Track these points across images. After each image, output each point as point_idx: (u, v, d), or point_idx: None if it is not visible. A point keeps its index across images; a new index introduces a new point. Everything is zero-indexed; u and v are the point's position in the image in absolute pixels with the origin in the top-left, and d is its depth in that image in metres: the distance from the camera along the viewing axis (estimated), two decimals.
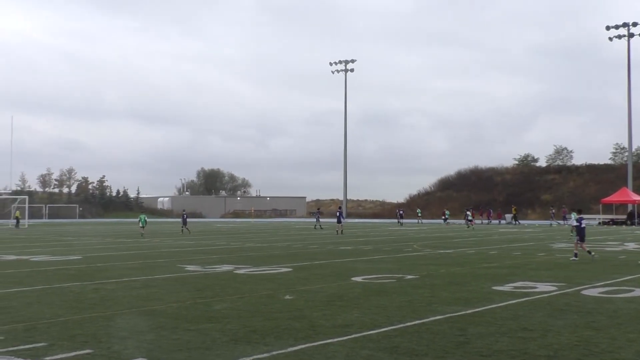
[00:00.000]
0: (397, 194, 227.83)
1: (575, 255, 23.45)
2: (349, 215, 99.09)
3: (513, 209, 72.79)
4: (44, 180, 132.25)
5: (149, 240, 38.68)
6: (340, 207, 57.30)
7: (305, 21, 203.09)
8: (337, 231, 47.81)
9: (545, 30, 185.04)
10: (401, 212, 74.31)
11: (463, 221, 62.09)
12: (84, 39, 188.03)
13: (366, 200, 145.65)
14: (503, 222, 74.22)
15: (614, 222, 65.11)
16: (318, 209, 58.58)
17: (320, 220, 60.80)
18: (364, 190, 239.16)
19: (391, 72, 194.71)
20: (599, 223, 66.50)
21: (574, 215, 25.53)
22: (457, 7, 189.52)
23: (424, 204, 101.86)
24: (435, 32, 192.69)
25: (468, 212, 60.49)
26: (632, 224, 56.08)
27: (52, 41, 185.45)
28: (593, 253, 23.57)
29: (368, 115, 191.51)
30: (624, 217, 67.44)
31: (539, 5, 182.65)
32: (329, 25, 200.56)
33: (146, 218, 45.73)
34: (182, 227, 50.29)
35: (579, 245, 23.66)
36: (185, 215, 52.72)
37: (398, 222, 72.14)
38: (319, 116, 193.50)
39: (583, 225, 23.83)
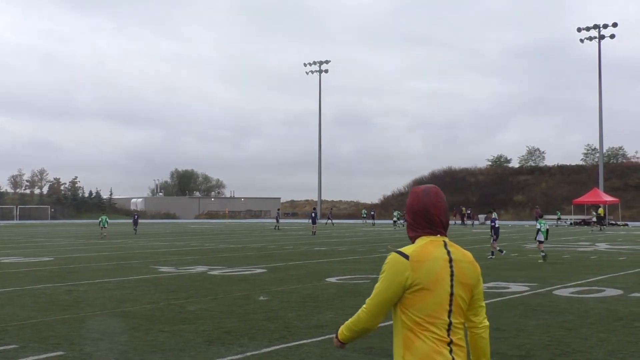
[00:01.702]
0: (372, 195, 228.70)
1: (493, 253, 25.22)
2: (323, 216, 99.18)
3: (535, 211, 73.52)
4: (15, 181, 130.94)
5: (123, 242, 38.40)
6: (314, 208, 57.61)
7: (280, 22, 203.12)
8: (312, 232, 48.44)
9: (520, 31, 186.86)
10: (372, 212, 75.91)
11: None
12: (57, 39, 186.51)
13: (341, 200, 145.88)
14: (476, 223, 74.73)
15: (586, 223, 65.82)
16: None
17: (280, 221, 61.84)
18: (338, 191, 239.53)
19: (367, 72, 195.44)
20: (571, 224, 67.21)
21: (495, 215, 26.62)
22: (433, 8, 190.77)
23: (398, 204, 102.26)
24: (410, 33, 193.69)
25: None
26: (603, 225, 56.71)
27: (24, 41, 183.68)
28: (497, 251, 25.53)
29: (343, 116, 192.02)
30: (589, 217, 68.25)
31: (513, 7, 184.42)
32: (304, 26, 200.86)
33: (107, 219, 45.54)
34: (134, 227, 51.36)
35: (495, 243, 25.62)
36: (136, 216, 53.39)
37: (372, 223, 73.00)
38: (294, 117, 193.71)
39: (497, 225, 25.86)
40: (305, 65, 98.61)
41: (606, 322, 11.05)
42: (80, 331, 10.39)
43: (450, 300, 3.40)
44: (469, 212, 74.36)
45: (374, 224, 70.63)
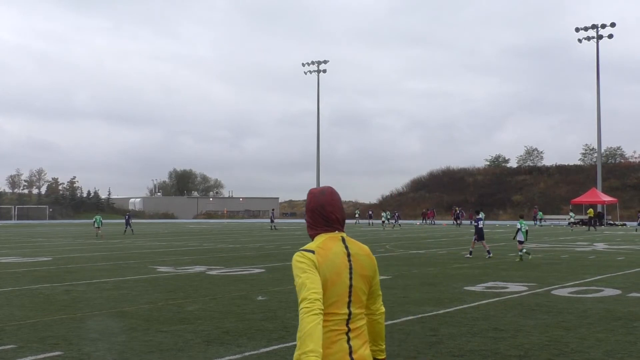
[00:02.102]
0: (370, 195, 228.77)
1: (487, 252, 25.19)
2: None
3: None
4: (13, 181, 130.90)
5: (121, 242, 38.38)
6: None
7: (278, 22, 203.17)
8: None
9: (518, 31, 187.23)
10: (370, 212, 76.27)
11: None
12: (55, 39, 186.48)
13: None
14: (474, 223, 74.73)
15: (584, 223, 65.84)
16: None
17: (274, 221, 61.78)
18: (337, 191, 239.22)
19: (365, 73, 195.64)
20: (569, 224, 67.25)
21: (481, 215, 26.77)
22: (431, 8, 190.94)
23: (397, 204, 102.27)
24: (408, 33, 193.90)
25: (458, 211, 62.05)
26: (597, 225, 56.80)
27: (22, 41, 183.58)
28: (471, 253, 25.60)
29: (341, 116, 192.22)
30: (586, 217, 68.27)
31: (511, 7, 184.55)
32: (302, 26, 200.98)
33: (101, 219, 46.00)
34: (126, 227, 51.32)
35: (475, 243, 25.87)
36: (128, 216, 53.91)
37: (369, 223, 73.30)
38: (293, 117, 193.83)
39: (480, 226, 25.90)
40: (303, 65, 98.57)
41: (604, 322, 11.05)
42: (78, 331, 10.38)
43: (350, 292, 3.59)
44: (458, 211, 74.40)
45: (370, 224, 70.79)
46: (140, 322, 11.23)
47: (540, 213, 69.94)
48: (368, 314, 3.81)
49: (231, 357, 8.65)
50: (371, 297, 3.82)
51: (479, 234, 25.63)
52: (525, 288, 15.62)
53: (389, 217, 66.44)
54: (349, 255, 3.64)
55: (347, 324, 3.57)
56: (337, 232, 3.72)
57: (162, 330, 10.41)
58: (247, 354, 8.82)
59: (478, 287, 15.80)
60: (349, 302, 3.59)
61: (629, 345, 9.25)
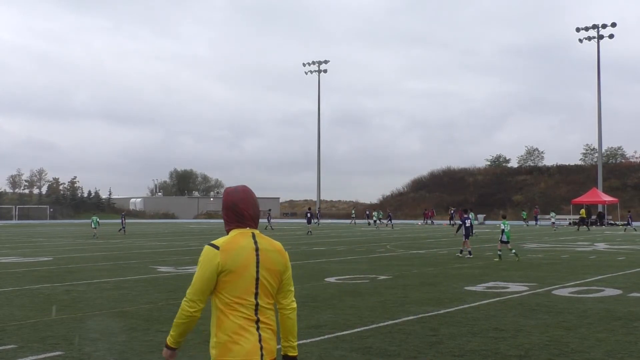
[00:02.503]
0: (371, 195, 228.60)
1: (469, 253, 25.43)
2: (322, 216, 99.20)
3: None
4: (14, 181, 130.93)
5: (122, 242, 38.38)
6: (310, 208, 57.85)
7: (278, 21, 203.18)
8: (308, 232, 48.55)
9: (518, 31, 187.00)
10: (367, 212, 76.59)
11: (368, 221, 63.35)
12: (55, 39, 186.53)
13: (340, 200, 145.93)
14: (475, 222, 74.73)
15: (584, 223, 65.85)
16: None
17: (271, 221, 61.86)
18: (337, 191, 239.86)
19: (365, 72, 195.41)
20: (569, 223, 67.22)
21: (471, 215, 26.94)
22: (430, 7, 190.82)
23: (397, 204, 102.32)
24: (408, 33, 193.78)
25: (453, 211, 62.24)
26: (598, 224, 56.88)
27: (21, 41, 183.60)
28: (465, 253, 25.52)
29: (342, 116, 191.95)
30: (594, 217, 68.25)
31: (511, 7, 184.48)
32: (302, 26, 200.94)
33: (98, 219, 46.45)
34: (122, 227, 51.40)
35: (466, 242, 25.78)
36: (123, 216, 53.95)
37: (368, 223, 73.35)
38: (293, 117, 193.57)
39: (468, 225, 25.99)
40: (304, 65, 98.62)
41: (605, 322, 11.05)
42: (79, 331, 10.37)
43: (257, 284, 3.85)
44: (452, 211, 74.38)
45: (369, 224, 70.79)
46: (141, 322, 11.23)
47: (524, 213, 69.96)
48: (279, 308, 4.02)
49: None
50: (282, 291, 4.02)
51: (467, 233, 25.81)
52: (525, 288, 15.62)
53: (380, 216, 66.69)
54: (257, 250, 3.91)
55: (255, 314, 3.83)
56: (248, 228, 4.00)
57: (162, 330, 10.41)
58: None
59: (478, 287, 15.80)
60: (256, 293, 3.84)
61: (629, 345, 9.25)
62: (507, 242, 24.46)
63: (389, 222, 65.16)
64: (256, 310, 3.84)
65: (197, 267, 3.94)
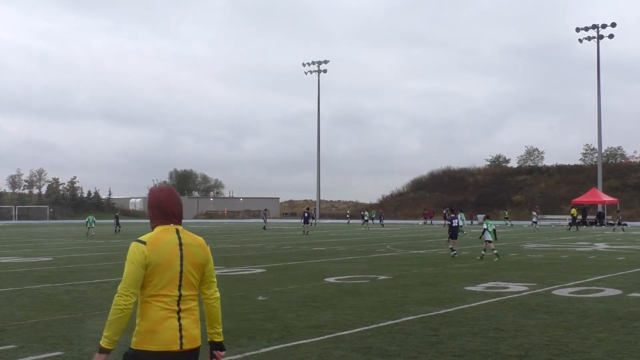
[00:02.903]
0: (371, 195, 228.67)
1: (452, 249, 25.59)
2: (322, 216, 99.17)
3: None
4: (14, 181, 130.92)
5: (121, 241, 38.37)
6: (307, 209, 57.95)
7: (278, 21, 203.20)
8: (304, 232, 48.48)
9: (518, 31, 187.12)
10: (363, 212, 76.45)
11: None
12: (55, 39, 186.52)
13: (339, 201, 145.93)
14: (475, 222, 74.74)
15: (584, 223, 65.84)
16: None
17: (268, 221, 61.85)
18: (337, 191, 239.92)
19: (365, 72, 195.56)
20: (569, 223, 67.18)
21: (460, 216, 27.24)
22: (430, 7, 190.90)
23: (397, 204, 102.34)
24: (408, 33, 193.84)
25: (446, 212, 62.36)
26: (598, 224, 56.88)
27: (21, 41, 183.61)
28: (455, 252, 25.60)
29: (341, 116, 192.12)
30: (594, 217, 68.25)
31: (511, 7, 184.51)
32: (302, 26, 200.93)
33: (94, 219, 46.69)
34: (116, 227, 51.55)
35: (450, 241, 25.91)
36: (117, 216, 54.06)
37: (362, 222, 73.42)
38: (293, 117, 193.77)
39: (454, 225, 26.11)
40: (304, 65, 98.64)
41: (605, 322, 11.05)
42: (79, 331, 10.37)
43: (180, 277, 4.12)
44: (445, 212, 74.38)
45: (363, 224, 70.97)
46: None
47: (506, 212, 69.94)
48: (204, 298, 4.32)
49: (231, 357, 8.65)
50: (205, 282, 4.31)
51: (453, 233, 25.93)
52: (525, 288, 15.62)
53: (373, 215, 66.74)
54: (181, 245, 4.17)
55: (177, 304, 4.10)
56: (172, 224, 4.25)
57: None
58: (247, 354, 8.83)
59: (478, 287, 15.80)
60: (180, 285, 4.11)
61: (629, 345, 9.25)
62: (491, 242, 24.62)
63: (380, 221, 65.26)
64: (179, 301, 4.11)
65: (125, 263, 4.12)
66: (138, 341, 4.09)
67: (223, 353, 4.47)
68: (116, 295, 4.13)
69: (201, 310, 4.29)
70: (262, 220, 71.12)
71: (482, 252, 24.74)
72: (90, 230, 44.72)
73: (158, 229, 4.23)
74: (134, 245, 4.12)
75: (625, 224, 65.74)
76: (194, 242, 4.25)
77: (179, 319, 4.09)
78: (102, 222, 66.72)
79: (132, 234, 49.70)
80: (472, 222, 73.92)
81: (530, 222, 60.76)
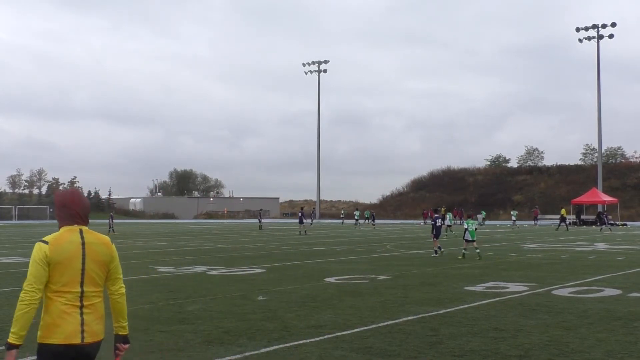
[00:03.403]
0: (371, 195, 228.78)
1: (435, 252, 25.88)
2: (322, 216, 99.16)
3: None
4: (14, 181, 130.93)
5: (122, 242, 38.37)
6: (302, 208, 58.04)
7: (278, 21, 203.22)
8: (299, 232, 48.37)
9: (518, 31, 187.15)
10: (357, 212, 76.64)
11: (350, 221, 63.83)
12: (54, 39, 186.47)
13: (339, 200, 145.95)
14: (457, 222, 74.76)
15: (584, 223, 65.83)
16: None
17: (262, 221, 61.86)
18: (337, 191, 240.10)
19: (364, 72, 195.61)
20: (569, 223, 67.21)
21: (449, 216, 27.55)
22: (430, 7, 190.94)
23: (397, 204, 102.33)
24: (408, 33, 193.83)
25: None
26: (597, 224, 56.87)
27: (20, 41, 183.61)
28: (442, 250, 26.33)
29: (341, 116, 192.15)
30: (593, 217, 68.24)
31: (511, 6, 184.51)
32: (302, 25, 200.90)
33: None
34: (109, 228, 51.31)
35: (436, 241, 26.22)
36: (111, 216, 54.23)
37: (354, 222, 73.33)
38: (292, 117, 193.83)
39: (438, 224, 26.52)
40: (304, 65, 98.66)
41: (605, 322, 11.05)
42: None
43: (82, 274, 4.37)
44: (423, 212, 74.66)
45: (362, 223, 70.97)
46: (141, 322, 11.22)
47: (483, 212, 70.05)
48: (109, 294, 4.60)
49: (231, 357, 8.65)
50: (110, 279, 4.59)
51: (437, 232, 26.18)
52: (525, 288, 15.62)
53: (367, 215, 66.89)
54: (83, 244, 4.42)
55: (80, 300, 4.37)
56: (76, 225, 4.48)
57: (162, 331, 10.42)
58: (247, 354, 8.82)
59: (478, 287, 15.80)
60: (82, 282, 4.38)
61: (629, 345, 9.25)
62: (473, 241, 24.88)
63: (372, 221, 65.37)
64: (81, 297, 4.38)
65: (31, 260, 4.36)
66: (42, 335, 4.33)
67: (127, 346, 4.79)
68: (21, 292, 4.32)
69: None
70: (265, 220, 71.16)
71: (463, 251, 24.99)
72: None
73: (63, 229, 4.47)
74: (37, 245, 4.36)
75: (615, 224, 65.76)
76: (97, 241, 4.51)
77: (81, 314, 4.37)
78: (102, 222, 66.62)
79: (125, 234, 49.69)
80: (431, 220, 73.75)
81: (510, 222, 61.17)
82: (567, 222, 57.19)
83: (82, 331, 4.37)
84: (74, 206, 4.51)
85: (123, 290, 4.66)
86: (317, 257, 25.51)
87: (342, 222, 77.39)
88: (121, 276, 4.67)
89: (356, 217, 66.42)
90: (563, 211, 58.43)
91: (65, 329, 4.30)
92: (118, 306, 4.66)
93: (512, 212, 60.84)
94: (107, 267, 4.54)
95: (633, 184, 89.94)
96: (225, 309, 12.67)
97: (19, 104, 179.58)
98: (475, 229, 25.55)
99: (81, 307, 4.38)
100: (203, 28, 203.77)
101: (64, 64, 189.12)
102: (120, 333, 4.73)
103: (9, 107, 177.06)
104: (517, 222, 63.99)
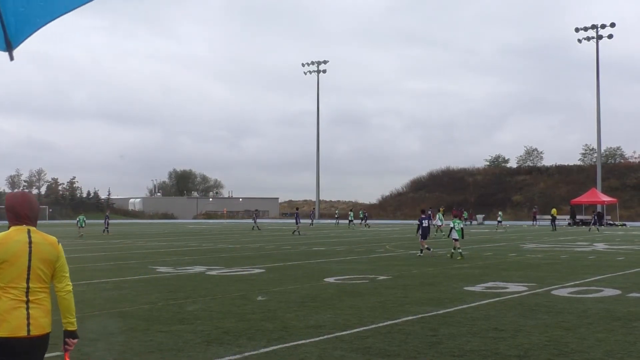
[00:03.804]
0: (370, 195, 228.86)
1: (428, 249, 26.02)
2: (322, 216, 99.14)
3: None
4: (13, 182, 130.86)
5: (121, 242, 38.37)
6: (297, 209, 58.06)
7: (276, 21, 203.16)
8: (293, 232, 48.31)
9: (518, 31, 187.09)
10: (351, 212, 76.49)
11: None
12: (51, 39, 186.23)
13: (339, 201, 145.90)
14: (474, 222, 74.75)
15: (583, 223, 65.84)
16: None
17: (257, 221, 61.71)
18: (337, 191, 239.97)
19: (364, 72, 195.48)
20: (569, 224, 67.21)
21: (438, 216, 27.71)
22: (429, 7, 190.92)
23: (397, 204, 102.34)
24: (407, 33, 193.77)
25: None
26: (554, 225, 56.67)
27: None
28: (431, 250, 26.36)
29: (341, 116, 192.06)
30: (589, 217, 68.29)
31: (511, 6, 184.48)
32: (301, 25, 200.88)
33: (85, 219, 48.02)
34: (105, 228, 51.47)
35: (423, 242, 26.31)
36: (107, 216, 53.87)
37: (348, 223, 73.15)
38: (292, 117, 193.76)
39: (425, 225, 26.49)
40: (303, 65, 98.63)
41: (604, 322, 11.04)
42: (78, 332, 10.34)
43: (28, 271, 4.63)
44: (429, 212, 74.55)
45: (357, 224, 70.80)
46: (140, 322, 11.22)
47: (466, 213, 70.15)
48: (56, 291, 4.86)
49: (231, 357, 8.65)
50: (56, 277, 4.86)
51: (423, 232, 26.31)
52: (525, 288, 15.61)
53: (361, 216, 67.05)
54: (30, 243, 4.67)
55: (26, 296, 4.60)
56: (24, 225, 4.74)
57: (161, 331, 10.41)
58: (247, 354, 8.82)
59: (478, 287, 15.80)
60: (28, 278, 4.62)
61: (628, 345, 9.25)
62: (457, 240, 25.05)
63: (364, 222, 65.43)
64: (27, 292, 4.61)
65: None
66: None
67: (75, 341, 5.05)
68: None
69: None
70: (262, 220, 71.08)
71: (452, 251, 25.13)
72: (80, 230, 45.60)
73: (12, 229, 4.73)
74: None
75: (613, 224, 65.85)
76: (44, 241, 4.77)
77: (27, 308, 4.59)
78: (101, 223, 66.58)
79: (125, 234, 49.66)
80: (471, 223, 73.90)
81: (495, 222, 61.36)
82: (556, 223, 57.09)
83: (28, 324, 4.58)
84: (22, 208, 4.77)
85: (69, 288, 4.95)
86: (316, 257, 25.50)
87: (337, 223, 77.14)
88: (68, 274, 4.97)
89: (350, 218, 66.51)
90: (554, 211, 58.36)
91: (11, 323, 4.52)
92: (65, 302, 4.89)
93: (499, 213, 61.55)
94: (53, 265, 4.80)
95: (632, 184, 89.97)
96: (224, 309, 12.66)
97: (19, 104, 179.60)
98: (462, 228, 25.76)
99: (27, 302, 4.60)
100: (202, 28, 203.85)
101: (64, 64, 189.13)
102: (68, 329, 4.97)
103: (9, 107, 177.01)
104: (511, 223, 64.06)
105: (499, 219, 59.60)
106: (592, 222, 54.19)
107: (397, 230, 55.30)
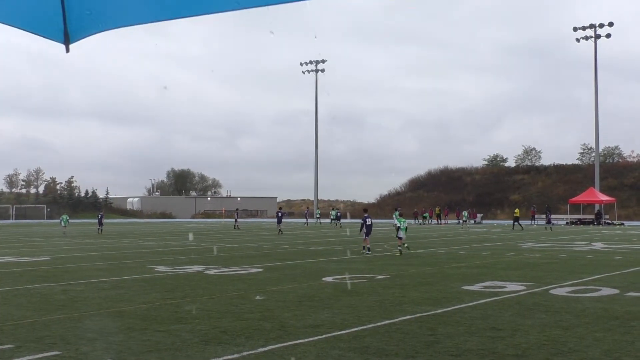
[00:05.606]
0: (368, 195, 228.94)
1: (368, 249, 26.91)
2: (325, 216, 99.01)
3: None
4: (11, 181, 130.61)
5: (119, 241, 38.35)
6: (280, 208, 58.10)
7: (274, 20, 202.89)
8: (279, 231, 47.93)
9: (514, 29, 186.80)
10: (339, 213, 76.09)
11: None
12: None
13: (337, 200, 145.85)
14: (473, 222, 74.73)
15: (582, 222, 65.88)
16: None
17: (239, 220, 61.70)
18: (335, 190, 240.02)
19: (360, 71, 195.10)
20: (567, 223, 67.24)
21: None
22: (426, 6, 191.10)
23: (395, 204, 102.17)
24: (403, 32, 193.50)
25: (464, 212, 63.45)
26: (519, 224, 55.94)
27: (16, 40, 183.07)
28: (370, 250, 26.94)
29: (338, 115, 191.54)
30: (592, 217, 68.32)
31: (508, 5, 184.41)
32: (298, 24, 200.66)
33: (68, 218, 49.50)
34: (99, 227, 50.68)
35: (366, 240, 27.10)
36: (101, 216, 53.11)
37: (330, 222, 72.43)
38: (289, 116, 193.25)
39: (369, 223, 27.05)
40: (301, 64, 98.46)
41: (602, 321, 11.06)
42: (76, 331, 10.36)
43: None
44: (423, 211, 75.00)
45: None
46: (138, 321, 11.22)
47: (465, 212, 70.18)
48: None
49: (229, 357, 8.65)
50: None
51: (367, 231, 26.92)
52: (523, 287, 15.62)
53: (333, 217, 67.21)
54: None
55: None
56: None
57: (159, 330, 10.41)
58: (245, 353, 8.82)
59: (476, 287, 15.81)
60: None
61: (626, 345, 9.26)
62: (401, 238, 26.16)
63: (337, 221, 65.61)
64: None
65: None
66: None
67: None
68: None
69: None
70: (263, 220, 70.98)
71: (399, 248, 26.15)
72: (63, 229, 47.01)
73: None
74: None
75: (612, 223, 65.82)
76: None
77: None
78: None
79: (123, 233, 49.62)
80: (474, 222, 73.88)
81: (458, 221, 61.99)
82: (519, 222, 55.99)
83: None
84: None
85: None
86: (314, 257, 25.50)
87: (319, 223, 76.42)
88: None
89: (332, 217, 66.56)
90: (517, 211, 57.64)
91: None
92: None
93: (463, 213, 62.28)
94: None
95: (630, 183, 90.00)
96: (222, 308, 12.67)
97: (17, 104, 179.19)
98: (406, 227, 26.86)
99: None
100: (198, 26, 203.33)
101: (60, 64, 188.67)
102: None
103: (6, 107, 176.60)
104: (509, 223, 63.97)
105: (463, 218, 60.70)
106: (546, 220, 54.25)
107: (395, 230, 55.25)
